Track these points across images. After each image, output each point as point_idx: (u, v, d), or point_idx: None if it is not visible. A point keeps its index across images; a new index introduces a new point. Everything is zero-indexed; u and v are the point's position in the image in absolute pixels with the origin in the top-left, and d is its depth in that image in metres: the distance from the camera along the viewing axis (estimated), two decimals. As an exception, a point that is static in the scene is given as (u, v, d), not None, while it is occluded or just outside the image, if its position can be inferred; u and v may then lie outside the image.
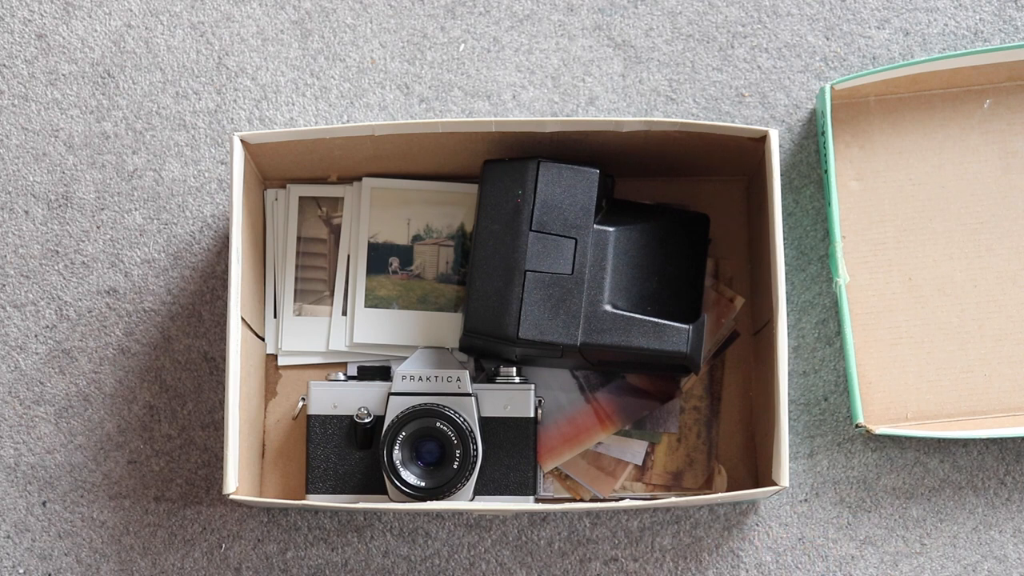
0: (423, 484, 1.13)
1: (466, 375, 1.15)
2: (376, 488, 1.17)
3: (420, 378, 1.15)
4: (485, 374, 1.21)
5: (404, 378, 1.15)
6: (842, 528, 1.21)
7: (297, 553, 1.21)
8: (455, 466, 1.13)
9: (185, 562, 1.21)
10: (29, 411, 1.23)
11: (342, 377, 1.17)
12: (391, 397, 1.15)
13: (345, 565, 1.21)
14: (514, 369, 1.17)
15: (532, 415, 1.16)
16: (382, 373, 1.18)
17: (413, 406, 1.14)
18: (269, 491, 1.21)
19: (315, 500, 1.16)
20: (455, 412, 1.14)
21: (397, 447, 1.13)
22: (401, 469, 1.13)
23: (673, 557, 1.21)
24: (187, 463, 1.22)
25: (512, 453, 1.17)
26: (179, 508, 1.22)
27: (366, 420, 1.15)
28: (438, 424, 1.13)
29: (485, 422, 1.16)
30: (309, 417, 1.17)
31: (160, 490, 1.22)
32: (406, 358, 1.19)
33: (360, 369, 1.19)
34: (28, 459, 1.22)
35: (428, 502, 1.13)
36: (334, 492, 1.16)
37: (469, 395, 1.15)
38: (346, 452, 1.16)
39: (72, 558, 1.21)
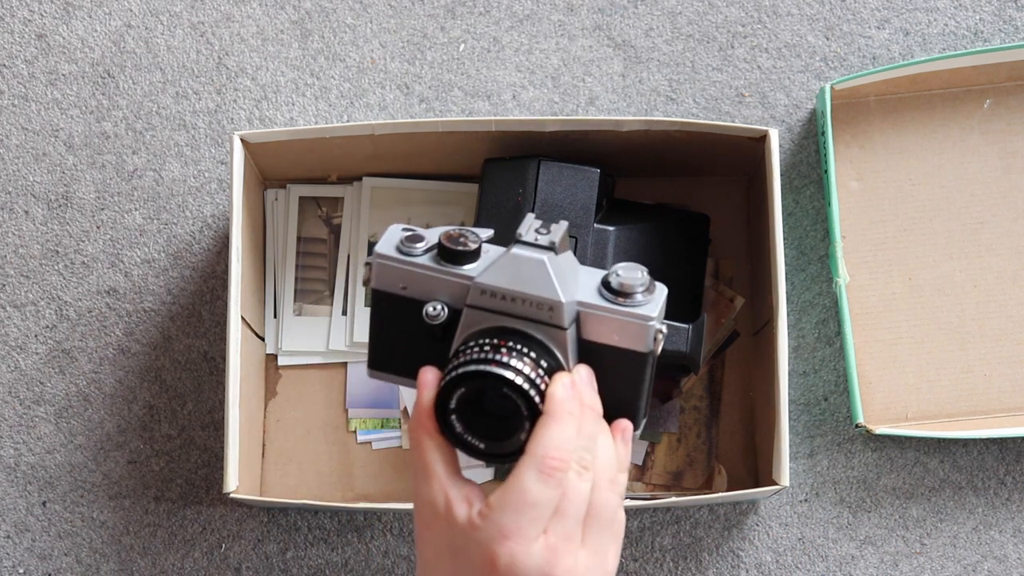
0: (484, 447, 0.92)
1: (562, 307, 0.92)
2: None
3: (504, 297, 0.92)
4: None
5: (484, 293, 0.93)
6: (842, 528, 1.21)
7: (297, 553, 1.21)
8: (523, 436, 0.91)
9: (185, 562, 1.21)
10: (29, 411, 1.23)
11: (418, 249, 0.95)
12: (466, 309, 0.93)
13: (345, 565, 1.21)
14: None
15: (648, 349, 0.93)
16: (470, 257, 0.94)
17: (473, 359, 0.91)
18: (269, 491, 1.21)
19: (377, 376, 0.98)
20: (534, 363, 0.91)
21: (454, 413, 0.91)
22: (465, 436, 0.92)
23: (673, 557, 1.21)
24: (187, 463, 1.22)
25: (619, 390, 0.95)
26: (179, 508, 1.22)
27: (438, 320, 0.94)
28: (504, 391, 0.90)
29: (589, 347, 0.94)
30: (374, 291, 0.97)
31: (160, 490, 1.22)
32: None
33: (443, 250, 0.94)
34: (28, 459, 1.22)
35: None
36: (399, 374, 0.98)
37: (564, 328, 0.92)
38: (415, 336, 0.95)
39: (72, 558, 1.21)
